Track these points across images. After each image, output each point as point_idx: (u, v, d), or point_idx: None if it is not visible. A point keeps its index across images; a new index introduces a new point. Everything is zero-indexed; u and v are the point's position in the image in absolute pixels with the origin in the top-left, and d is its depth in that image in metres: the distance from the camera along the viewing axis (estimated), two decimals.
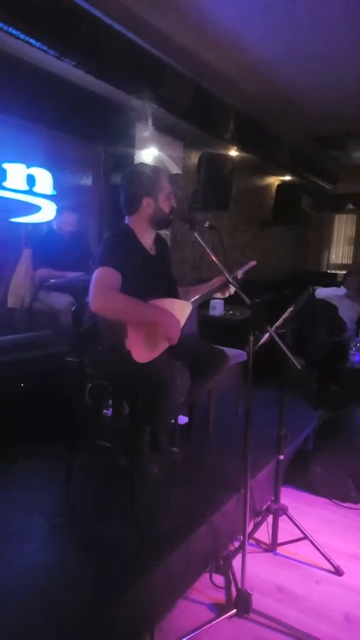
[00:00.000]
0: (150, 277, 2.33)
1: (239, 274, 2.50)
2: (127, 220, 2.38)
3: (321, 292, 5.32)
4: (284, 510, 2.45)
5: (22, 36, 2.62)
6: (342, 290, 5.31)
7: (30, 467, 2.64)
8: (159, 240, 2.51)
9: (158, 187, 2.30)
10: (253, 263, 2.55)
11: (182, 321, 2.26)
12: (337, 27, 3.12)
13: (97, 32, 2.91)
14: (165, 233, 5.05)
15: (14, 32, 2.58)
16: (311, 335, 4.51)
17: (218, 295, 2.55)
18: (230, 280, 2.13)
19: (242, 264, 2.52)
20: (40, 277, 3.81)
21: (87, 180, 4.82)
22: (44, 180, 3.46)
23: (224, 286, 2.48)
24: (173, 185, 2.46)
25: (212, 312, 4.87)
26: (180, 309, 2.29)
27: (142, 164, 3.30)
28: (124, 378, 2.31)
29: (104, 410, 2.97)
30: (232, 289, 2.47)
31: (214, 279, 2.55)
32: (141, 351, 2.15)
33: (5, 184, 3.21)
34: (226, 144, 4.96)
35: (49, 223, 3.99)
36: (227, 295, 2.53)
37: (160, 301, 2.23)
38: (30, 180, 3.34)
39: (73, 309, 2.47)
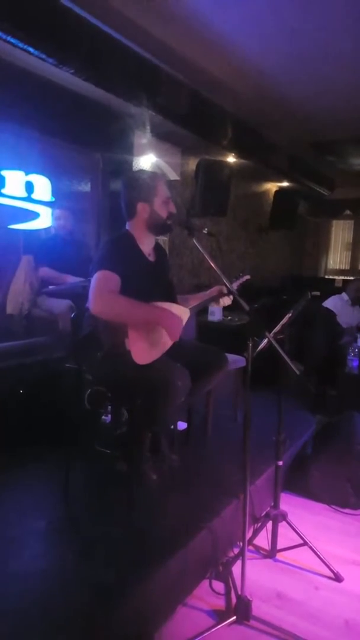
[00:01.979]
0: (149, 282, 2.35)
1: (234, 286, 2.52)
2: (127, 225, 2.42)
3: (327, 303, 5.39)
4: (283, 517, 2.44)
5: (20, 44, 2.64)
6: (344, 297, 5.39)
7: (29, 472, 2.63)
8: (158, 247, 2.53)
9: (153, 192, 2.32)
10: (247, 277, 2.57)
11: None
12: (334, 33, 3.14)
13: (96, 40, 2.93)
14: (163, 239, 5.07)
15: (13, 40, 2.59)
16: (310, 341, 4.52)
17: (213, 304, 2.58)
18: (228, 286, 2.15)
19: (237, 277, 2.54)
20: (41, 277, 3.83)
21: (86, 187, 4.84)
22: (43, 187, 3.48)
23: (220, 296, 2.50)
24: (171, 191, 2.47)
25: (210, 318, 4.88)
26: (179, 314, 2.30)
27: (141, 170, 3.32)
28: (123, 382, 2.32)
29: (103, 416, 2.97)
30: (228, 300, 2.50)
31: (212, 286, 2.57)
32: (141, 352, 2.16)
33: (4, 190, 3.22)
34: (224, 151, 4.99)
35: (48, 229, 4.00)
36: (221, 305, 2.55)
37: (159, 304, 2.25)
38: (29, 187, 3.36)
39: (72, 315, 2.48)
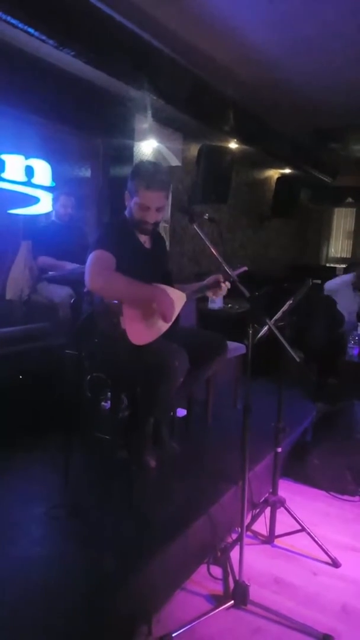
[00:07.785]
0: (144, 268, 2.34)
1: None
2: (126, 211, 2.41)
3: (330, 284, 5.35)
4: (281, 503, 2.46)
5: (20, 25, 2.59)
6: (348, 278, 5.33)
7: (28, 459, 2.64)
8: (155, 234, 2.52)
9: (134, 189, 2.32)
10: (244, 268, 2.55)
11: (177, 309, 2.28)
12: (338, 17, 3.09)
13: (97, 22, 2.88)
14: (164, 225, 5.03)
15: (13, 20, 2.55)
16: (310, 329, 4.52)
17: (210, 294, 2.56)
18: (229, 272, 2.13)
19: (235, 268, 2.52)
20: (40, 266, 3.81)
21: (86, 172, 4.80)
22: (43, 171, 3.44)
23: (217, 285, 2.48)
24: (172, 178, 2.45)
25: (211, 305, 4.86)
26: (175, 298, 2.29)
27: (142, 163, 3.29)
28: (120, 365, 2.31)
29: (103, 403, 2.97)
30: (224, 290, 2.48)
31: (213, 274, 2.55)
32: (137, 332, 2.16)
33: (3, 175, 3.19)
34: (226, 136, 4.93)
35: (48, 214, 3.98)
36: (218, 295, 2.53)
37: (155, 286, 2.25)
38: (29, 171, 3.32)
39: (72, 301, 2.47)
